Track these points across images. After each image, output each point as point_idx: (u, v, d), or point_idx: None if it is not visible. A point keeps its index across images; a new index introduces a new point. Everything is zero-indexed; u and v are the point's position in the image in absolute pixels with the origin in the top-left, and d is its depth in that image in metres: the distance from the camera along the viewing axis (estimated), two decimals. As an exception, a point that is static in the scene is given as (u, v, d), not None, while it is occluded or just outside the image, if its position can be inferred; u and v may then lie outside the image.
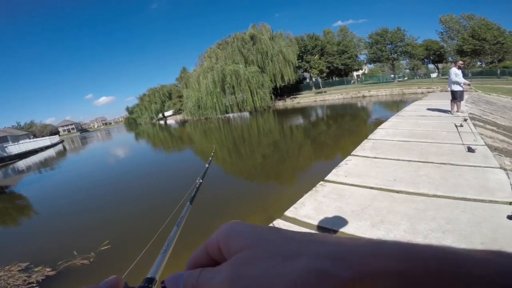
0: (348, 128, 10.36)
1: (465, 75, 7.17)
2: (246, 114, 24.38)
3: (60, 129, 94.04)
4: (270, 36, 27.99)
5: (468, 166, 2.87)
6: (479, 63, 31.44)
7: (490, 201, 2.11)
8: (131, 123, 56.10)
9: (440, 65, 41.30)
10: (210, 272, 0.20)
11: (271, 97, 25.86)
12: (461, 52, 29.19)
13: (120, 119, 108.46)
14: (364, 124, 10.59)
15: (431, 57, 38.84)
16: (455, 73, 6.35)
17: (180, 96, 38.93)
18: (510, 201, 2.06)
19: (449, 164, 2.98)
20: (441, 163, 3.03)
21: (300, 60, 33.10)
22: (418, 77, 36.95)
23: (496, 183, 2.41)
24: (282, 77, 27.48)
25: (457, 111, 6.40)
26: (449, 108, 6.62)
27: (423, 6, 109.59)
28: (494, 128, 5.15)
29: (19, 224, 5.60)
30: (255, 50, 26.82)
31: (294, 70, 29.25)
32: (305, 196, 2.63)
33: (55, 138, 41.83)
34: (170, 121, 41.50)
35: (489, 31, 25.98)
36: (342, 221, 2.10)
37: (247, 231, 0.20)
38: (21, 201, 7.63)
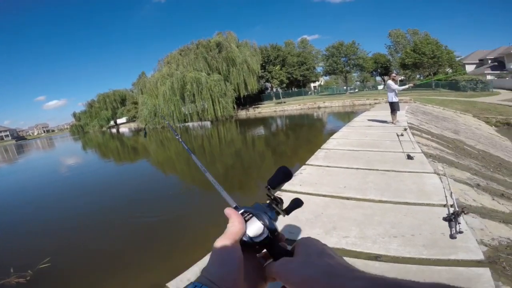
0: (305, 138, 10.79)
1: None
2: (207, 123, 23.74)
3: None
4: (236, 45, 27.79)
5: (408, 172, 3.11)
6: (418, 76, 34.97)
7: (428, 204, 2.28)
8: (78, 131, 50.42)
9: (386, 78, 45.56)
10: (287, 259, 0.35)
11: (233, 106, 25.53)
12: (403, 66, 31.62)
13: (66, 126, 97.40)
14: (319, 134, 11.14)
15: (378, 70, 42.10)
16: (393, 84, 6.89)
17: (135, 103, 36.60)
18: (444, 203, 2.24)
19: (392, 171, 3.20)
20: (385, 170, 3.23)
21: (262, 70, 33.53)
22: (367, 89, 39.90)
23: (432, 187, 2.63)
24: (246, 87, 27.23)
25: (396, 121, 6.98)
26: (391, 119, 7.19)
27: (384, 22, 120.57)
28: (429, 137, 5.77)
29: None
30: (221, 58, 26.24)
31: (257, 80, 29.35)
32: (259, 206, 2.54)
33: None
34: (123, 129, 38.66)
35: (428, 46, 28.38)
36: (297, 230, 2.06)
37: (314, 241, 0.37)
38: None
